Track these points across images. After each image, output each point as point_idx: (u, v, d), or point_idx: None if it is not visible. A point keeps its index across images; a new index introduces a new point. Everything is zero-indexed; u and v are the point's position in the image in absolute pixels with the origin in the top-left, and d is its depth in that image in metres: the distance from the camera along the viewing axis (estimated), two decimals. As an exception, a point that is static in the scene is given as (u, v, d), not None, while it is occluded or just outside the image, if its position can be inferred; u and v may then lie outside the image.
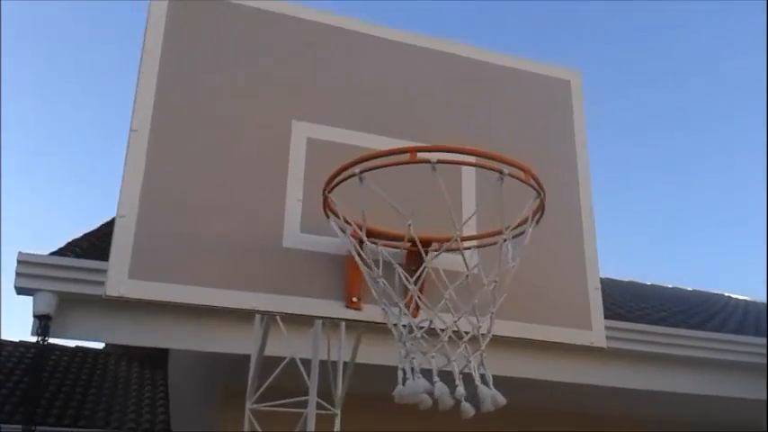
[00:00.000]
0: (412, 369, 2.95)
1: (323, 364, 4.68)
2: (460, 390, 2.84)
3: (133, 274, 3.30)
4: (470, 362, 2.90)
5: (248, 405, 4.73)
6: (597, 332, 3.90)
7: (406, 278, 3.16)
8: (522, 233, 3.09)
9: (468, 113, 4.16)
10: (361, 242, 3.31)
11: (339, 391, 4.84)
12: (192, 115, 3.65)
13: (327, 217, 3.48)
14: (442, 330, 2.99)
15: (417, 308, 3.53)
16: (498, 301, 2.99)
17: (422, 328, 3.06)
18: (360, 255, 3.29)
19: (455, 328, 2.99)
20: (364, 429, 6.47)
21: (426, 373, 2.94)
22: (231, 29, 3.88)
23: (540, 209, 3.14)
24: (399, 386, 2.90)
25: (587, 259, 4.04)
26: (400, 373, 2.95)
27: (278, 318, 4.67)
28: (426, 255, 3.29)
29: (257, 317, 5.21)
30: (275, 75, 3.88)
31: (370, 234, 3.33)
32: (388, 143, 3.85)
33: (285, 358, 5.04)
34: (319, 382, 4.74)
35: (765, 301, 12.03)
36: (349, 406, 5.08)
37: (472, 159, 3.01)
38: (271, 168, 3.68)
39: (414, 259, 3.53)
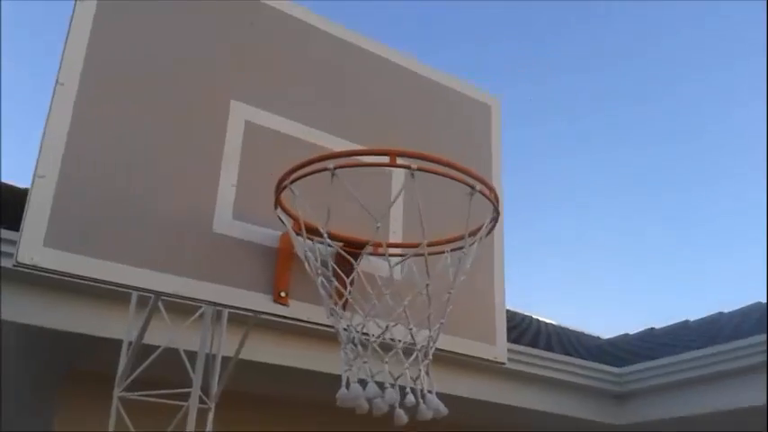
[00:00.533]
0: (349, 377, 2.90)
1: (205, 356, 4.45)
2: (393, 395, 2.82)
3: (48, 242, 2.97)
4: (407, 371, 2.88)
5: (116, 393, 4.40)
6: (500, 348, 4.02)
7: (340, 278, 3.10)
8: (461, 248, 3.12)
9: (398, 120, 4.16)
10: (309, 239, 3.20)
11: (216, 385, 4.62)
12: (126, 76, 3.36)
13: (276, 207, 3.33)
14: (385, 339, 2.96)
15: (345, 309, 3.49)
16: (446, 312, 3.00)
17: (365, 334, 3.00)
18: (306, 254, 3.18)
19: (393, 337, 2.96)
20: (239, 428, 6.23)
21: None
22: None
23: (492, 227, 3.22)
24: (342, 389, 2.83)
25: (496, 280, 4.16)
26: (344, 378, 2.88)
27: (160, 303, 4.38)
28: (358, 258, 3.25)
29: (133, 298, 4.87)
30: (217, 49, 3.67)
31: (311, 232, 3.23)
32: (320, 138, 3.78)
33: (159, 347, 4.74)
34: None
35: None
36: (225, 402, 4.88)
37: (443, 170, 2.99)
38: (206, 146, 3.47)
39: (345, 261, 3.46)
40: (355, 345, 2.98)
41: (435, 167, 2.90)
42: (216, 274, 3.29)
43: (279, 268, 3.42)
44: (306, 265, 3.20)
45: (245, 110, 3.62)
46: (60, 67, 3.22)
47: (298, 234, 3.22)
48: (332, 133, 3.83)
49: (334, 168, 3.03)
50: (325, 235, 3.08)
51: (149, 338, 4.46)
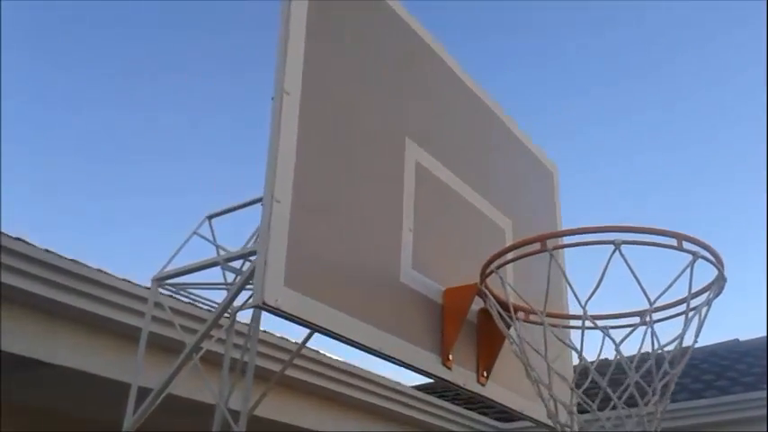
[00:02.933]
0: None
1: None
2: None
3: (289, 282, 2.54)
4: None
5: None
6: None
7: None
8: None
9: (478, 158, 4.03)
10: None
11: None
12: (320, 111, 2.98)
13: (484, 296, 3.18)
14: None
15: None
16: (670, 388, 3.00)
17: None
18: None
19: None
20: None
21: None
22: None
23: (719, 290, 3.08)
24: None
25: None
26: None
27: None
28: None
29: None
30: (389, 79, 3.37)
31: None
32: (463, 189, 3.65)
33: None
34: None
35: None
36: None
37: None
38: (387, 184, 3.18)
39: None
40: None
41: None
42: (398, 328, 3.02)
43: (447, 329, 3.22)
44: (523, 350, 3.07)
45: (415, 150, 3.37)
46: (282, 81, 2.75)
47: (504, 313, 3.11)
48: (470, 186, 3.70)
49: (551, 249, 2.96)
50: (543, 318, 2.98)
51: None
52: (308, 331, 3.49)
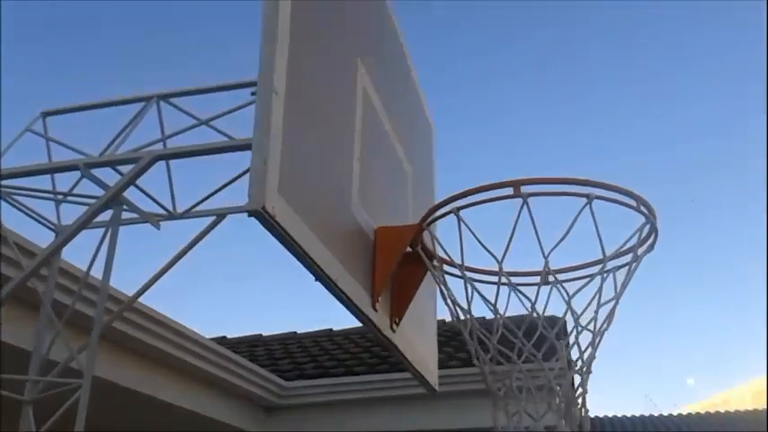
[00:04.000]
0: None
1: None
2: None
3: (281, 189, 2.20)
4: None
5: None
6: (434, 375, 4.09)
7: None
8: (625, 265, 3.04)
9: (400, 103, 3.94)
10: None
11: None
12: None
13: (414, 247, 2.98)
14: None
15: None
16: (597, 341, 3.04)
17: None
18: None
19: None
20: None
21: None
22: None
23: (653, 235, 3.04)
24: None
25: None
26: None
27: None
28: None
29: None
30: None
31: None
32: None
33: None
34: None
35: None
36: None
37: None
38: (346, 106, 2.90)
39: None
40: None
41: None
42: (348, 261, 2.77)
43: (380, 270, 3.02)
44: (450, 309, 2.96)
45: (364, 75, 3.11)
46: None
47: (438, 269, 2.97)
48: (393, 126, 3.51)
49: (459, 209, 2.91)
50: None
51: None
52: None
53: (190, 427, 5.86)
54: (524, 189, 2.71)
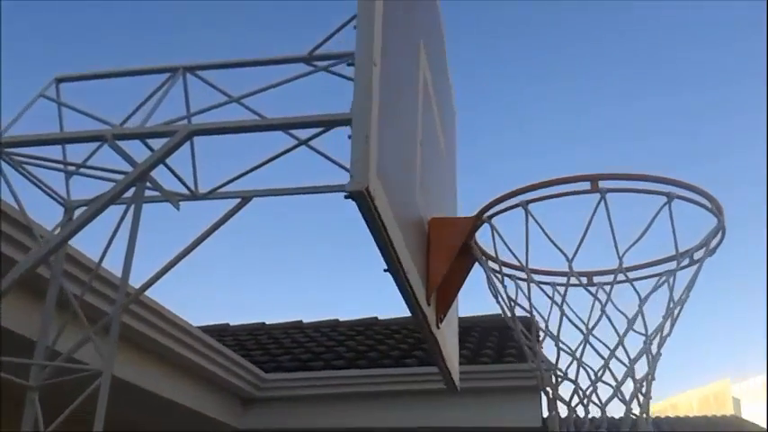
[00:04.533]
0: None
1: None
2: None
3: (378, 171, 2.01)
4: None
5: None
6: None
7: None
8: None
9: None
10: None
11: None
12: None
13: (468, 241, 2.81)
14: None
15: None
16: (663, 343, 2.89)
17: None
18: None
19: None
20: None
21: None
22: None
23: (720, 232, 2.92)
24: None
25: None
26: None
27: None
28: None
29: None
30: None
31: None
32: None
33: None
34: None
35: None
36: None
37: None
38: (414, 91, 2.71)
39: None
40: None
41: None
42: (416, 254, 2.58)
43: (434, 264, 2.84)
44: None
45: (424, 62, 2.92)
46: None
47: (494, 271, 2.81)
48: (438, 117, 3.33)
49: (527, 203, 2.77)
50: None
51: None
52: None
53: (166, 417, 5.59)
54: (602, 184, 2.57)
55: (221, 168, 3.56)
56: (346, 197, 1.91)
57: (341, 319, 9.77)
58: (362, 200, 1.90)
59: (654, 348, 2.70)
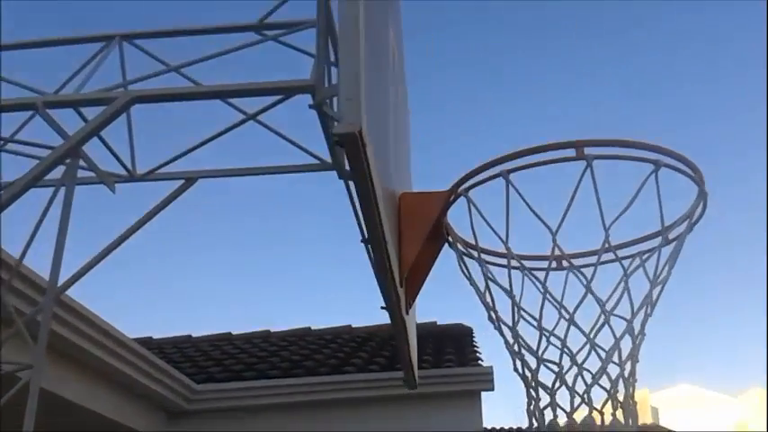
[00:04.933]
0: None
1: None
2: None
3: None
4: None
5: None
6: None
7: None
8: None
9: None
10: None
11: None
12: None
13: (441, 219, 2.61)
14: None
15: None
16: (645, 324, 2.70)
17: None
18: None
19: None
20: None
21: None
22: None
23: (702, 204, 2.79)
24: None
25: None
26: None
27: None
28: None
29: None
30: None
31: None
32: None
33: None
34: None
35: None
36: None
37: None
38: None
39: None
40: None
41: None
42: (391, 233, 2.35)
43: (407, 243, 2.61)
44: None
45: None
46: None
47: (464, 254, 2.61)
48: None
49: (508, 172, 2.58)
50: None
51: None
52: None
53: (81, 427, 5.12)
54: (588, 151, 2.41)
55: (164, 151, 3.27)
56: (336, 142, 1.68)
57: (272, 330, 9.51)
58: (353, 144, 1.67)
59: (636, 329, 2.55)
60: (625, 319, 2.64)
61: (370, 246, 2.14)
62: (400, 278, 2.54)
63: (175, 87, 2.89)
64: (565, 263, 2.61)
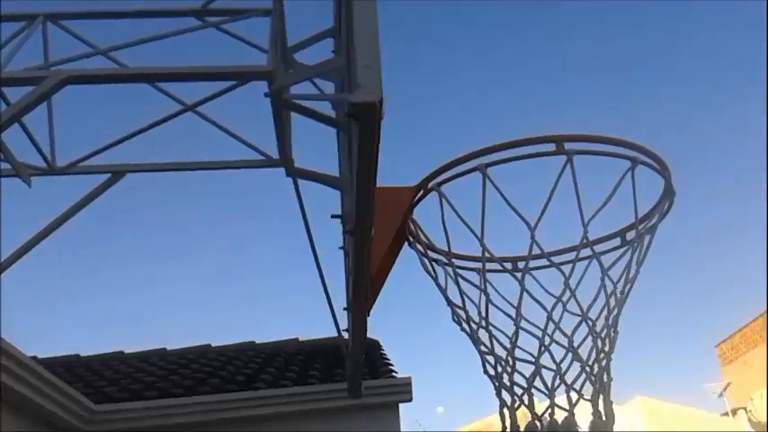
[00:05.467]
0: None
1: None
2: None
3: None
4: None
5: None
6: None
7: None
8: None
9: None
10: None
11: None
12: None
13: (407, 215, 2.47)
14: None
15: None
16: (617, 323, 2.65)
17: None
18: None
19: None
20: None
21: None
22: None
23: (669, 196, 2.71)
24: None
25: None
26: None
27: None
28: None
29: None
30: None
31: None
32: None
33: None
34: None
35: None
36: None
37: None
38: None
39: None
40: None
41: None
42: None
43: (377, 238, 2.43)
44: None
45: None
46: None
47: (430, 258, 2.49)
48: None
49: (486, 166, 2.48)
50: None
51: None
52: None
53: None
54: (568, 146, 2.33)
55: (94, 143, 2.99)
56: (348, 115, 1.50)
57: (169, 348, 9.09)
58: (370, 115, 1.50)
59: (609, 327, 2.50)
60: (589, 322, 2.59)
61: (353, 237, 1.96)
62: (369, 276, 2.38)
63: (114, 69, 2.64)
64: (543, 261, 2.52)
